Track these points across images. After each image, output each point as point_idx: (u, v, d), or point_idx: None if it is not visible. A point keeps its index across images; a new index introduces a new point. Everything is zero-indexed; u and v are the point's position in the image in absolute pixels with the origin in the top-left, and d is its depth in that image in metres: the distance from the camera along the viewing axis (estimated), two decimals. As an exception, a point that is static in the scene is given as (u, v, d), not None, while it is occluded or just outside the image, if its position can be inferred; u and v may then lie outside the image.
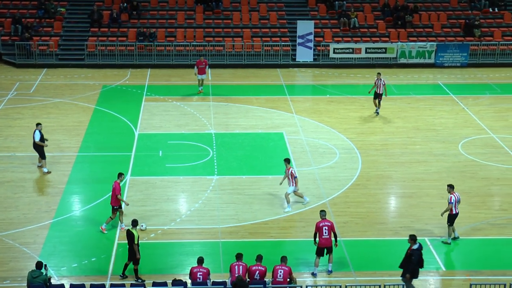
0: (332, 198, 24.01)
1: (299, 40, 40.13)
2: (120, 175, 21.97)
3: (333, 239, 19.43)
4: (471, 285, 17.55)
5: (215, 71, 38.74)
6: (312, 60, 40.15)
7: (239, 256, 18.08)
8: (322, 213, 19.67)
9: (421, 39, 41.06)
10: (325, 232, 19.25)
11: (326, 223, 19.37)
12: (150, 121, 31.02)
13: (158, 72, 38.57)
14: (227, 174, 25.83)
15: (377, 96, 31.73)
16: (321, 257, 19.45)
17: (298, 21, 40.69)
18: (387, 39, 41.07)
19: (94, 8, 41.53)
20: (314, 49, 40.24)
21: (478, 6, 43.63)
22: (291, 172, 23.09)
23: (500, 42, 40.60)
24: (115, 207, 21.63)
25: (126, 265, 19.28)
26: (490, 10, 43.31)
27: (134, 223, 19.28)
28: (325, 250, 19.39)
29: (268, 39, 40.95)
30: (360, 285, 18.16)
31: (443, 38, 41.15)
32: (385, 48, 39.95)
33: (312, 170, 26.16)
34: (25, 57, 39.24)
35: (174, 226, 22.08)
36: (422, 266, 18.49)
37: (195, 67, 34.90)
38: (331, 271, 19.47)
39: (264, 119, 31.38)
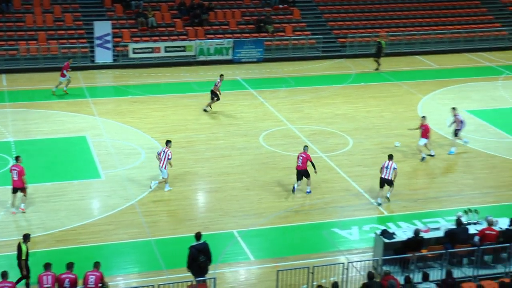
0: (140, 198, 24.02)
1: (97, 41, 39.58)
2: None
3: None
4: (278, 271, 18.34)
5: (10, 76, 37.25)
6: (112, 61, 39.78)
7: (47, 266, 17.60)
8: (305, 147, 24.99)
9: (218, 36, 42.04)
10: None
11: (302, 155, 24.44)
12: None
13: None
14: (30, 182, 24.75)
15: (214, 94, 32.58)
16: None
17: (94, 22, 40.08)
18: (185, 37, 41.61)
19: None
20: (113, 50, 39.88)
21: (269, 3, 45.41)
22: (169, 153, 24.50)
23: (292, 37, 42.57)
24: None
25: (20, 279, 18.40)
26: (280, 6, 45.24)
27: (25, 237, 18.55)
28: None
29: (65, 41, 39.98)
30: (172, 283, 18.36)
31: (239, 35, 42.43)
32: (184, 46, 40.48)
33: (118, 172, 26.00)
34: None
35: (-25, 241, 21.05)
36: (199, 264, 18.06)
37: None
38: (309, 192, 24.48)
39: (66, 123, 30.68)
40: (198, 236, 18.60)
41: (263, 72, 39.81)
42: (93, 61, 39.62)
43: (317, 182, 25.60)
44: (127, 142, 28.85)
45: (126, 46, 39.94)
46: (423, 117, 28.17)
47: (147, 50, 40.04)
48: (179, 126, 30.90)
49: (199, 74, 39.01)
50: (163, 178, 24.63)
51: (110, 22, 40.62)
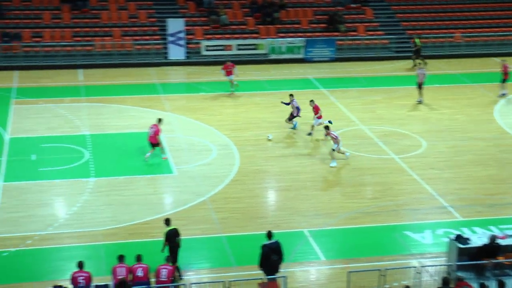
0: (211, 195, 24.16)
1: (170, 38, 40.04)
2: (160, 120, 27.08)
3: None
4: (349, 272, 18.14)
5: (86, 71, 38.13)
6: (184, 58, 40.18)
7: (120, 258, 17.91)
8: None
9: (290, 35, 41.96)
10: None
11: None
12: (21, 124, 30.03)
13: (26, 74, 37.38)
14: (103, 175, 25.43)
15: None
16: None
17: (168, 19, 40.56)
18: (257, 35, 41.69)
19: (-47, 8, 39.69)
20: (185, 47, 40.26)
21: (341, 2, 45.07)
22: (332, 135, 26.58)
23: (364, 37, 42.18)
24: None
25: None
26: (353, 5, 44.83)
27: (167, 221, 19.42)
28: None
29: (139, 37, 40.57)
30: (243, 280, 18.41)
31: (311, 34, 42.25)
32: (256, 45, 40.58)
33: (189, 168, 26.22)
34: None
35: (51, 231, 21.52)
36: (271, 263, 18.05)
37: (223, 70, 34.67)
38: None
39: (139, 118, 31.11)
40: (269, 234, 18.58)
41: (335, 72, 39.56)
42: (166, 58, 40.10)
43: (389, 184, 25.30)
44: (198, 139, 29.07)
45: (199, 43, 40.28)
46: (311, 101, 29.71)
47: (219, 48, 40.32)
48: (250, 124, 30.95)
49: (271, 72, 39.02)
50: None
51: (183, 19, 41.02)
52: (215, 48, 40.25)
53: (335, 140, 26.59)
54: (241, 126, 30.58)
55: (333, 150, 26.64)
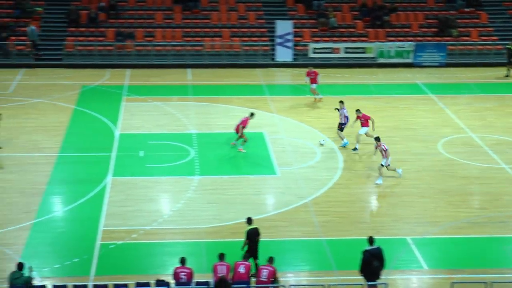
0: (314, 197, 24.06)
1: (278, 40, 40.22)
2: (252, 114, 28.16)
3: None
4: (453, 283, 17.66)
5: (195, 71, 38.80)
6: (291, 59, 40.25)
7: (221, 256, 18.09)
8: None
9: (399, 38, 41.29)
10: None
11: None
12: (130, 121, 30.91)
13: (137, 72, 38.46)
14: (208, 174, 25.80)
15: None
16: None
17: (277, 21, 40.75)
18: (365, 38, 41.26)
19: (72, 7, 41.25)
20: (293, 49, 40.32)
21: (454, 6, 43.94)
22: (382, 147, 25.07)
23: (477, 42, 40.97)
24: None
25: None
26: (466, 9, 43.62)
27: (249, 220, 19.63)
28: None
29: (247, 38, 40.96)
30: (343, 284, 18.22)
31: (421, 38, 41.42)
32: (364, 48, 40.17)
33: (293, 170, 26.21)
34: (2, 57, 38.99)
35: (156, 226, 22.01)
36: (372, 269, 17.80)
37: (307, 77, 33.77)
38: None
39: (245, 119, 31.37)
40: (371, 240, 18.32)
41: (445, 77, 38.62)
42: (273, 59, 40.31)
43: (498, 195, 24.45)
44: (303, 141, 29.03)
45: (306, 45, 40.27)
46: (357, 110, 28.16)
47: (327, 51, 40.18)
48: (355, 128, 30.50)
49: (378, 76, 38.52)
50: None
51: (291, 21, 41.13)
52: (322, 50, 40.13)
53: (385, 153, 25.11)
54: (345, 130, 30.23)
55: (382, 165, 25.22)
